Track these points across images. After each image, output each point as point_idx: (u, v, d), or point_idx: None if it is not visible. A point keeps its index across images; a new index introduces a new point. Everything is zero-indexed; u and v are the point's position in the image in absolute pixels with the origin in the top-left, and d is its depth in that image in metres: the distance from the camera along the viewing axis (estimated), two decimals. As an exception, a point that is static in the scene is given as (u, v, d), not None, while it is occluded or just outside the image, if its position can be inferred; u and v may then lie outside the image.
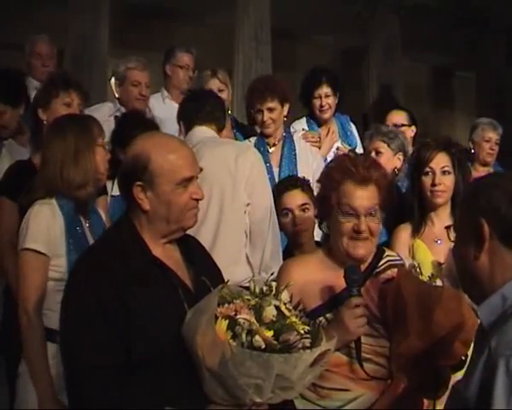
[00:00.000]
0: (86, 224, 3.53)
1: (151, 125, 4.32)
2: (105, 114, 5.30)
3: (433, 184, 3.82)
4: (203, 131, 4.20)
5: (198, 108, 4.30)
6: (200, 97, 4.54)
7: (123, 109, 5.40)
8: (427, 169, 3.85)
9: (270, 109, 4.86)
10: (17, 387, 3.44)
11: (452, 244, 3.60)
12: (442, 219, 3.86)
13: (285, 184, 4.20)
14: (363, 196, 2.99)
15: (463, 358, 2.89)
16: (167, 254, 2.66)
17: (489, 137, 6.27)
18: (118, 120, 4.74)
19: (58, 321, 3.24)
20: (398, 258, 3.20)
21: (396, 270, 3.02)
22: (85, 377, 2.46)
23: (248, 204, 3.99)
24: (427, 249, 3.77)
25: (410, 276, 2.92)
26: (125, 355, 2.46)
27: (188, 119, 4.30)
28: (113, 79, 5.70)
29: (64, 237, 3.40)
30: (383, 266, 3.09)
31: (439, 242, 3.80)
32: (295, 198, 4.06)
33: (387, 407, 2.92)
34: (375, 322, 2.96)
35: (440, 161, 3.84)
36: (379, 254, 3.13)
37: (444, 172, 3.82)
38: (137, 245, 2.61)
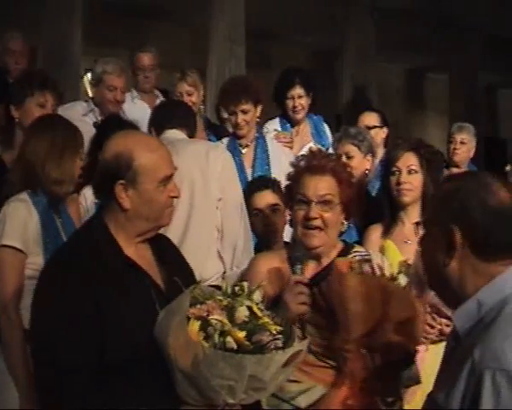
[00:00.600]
0: (58, 222, 3.52)
1: (132, 128, 4.31)
2: (79, 113, 5.30)
3: (398, 183, 3.85)
4: (175, 134, 4.22)
5: (169, 114, 4.35)
6: (171, 105, 4.62)
7: (96, 109, 5.40)
8: (394, 168, 3.89)
9: (244, 111, 4.86)
10: None
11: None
12: (412, 218, 3.89)
13: (256, 184, 4.21)
14: (317, 185, 3.03)
15: (412, 354, 2.94)
16: (139, 253, 2.65)
17: (453, 138, 6.38)
18: (98, 126, 4.72)
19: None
20: (366, 253, 3.19)
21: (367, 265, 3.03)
22: (59, 378, 2.43)
23: (220, 199, 4.01)
24: (396, 250, 3.80)
25: (343, 274, 2.89)
26: (99, 356, 2.45)
27: (159, 124, 4.33)
28: (85, 78, 5.69)
29: (40, 234, 3.39)
30: None
31: (409, 242, 3.83)
32: (265, 198, 4.08)
33: (332, 406, 2.92)
34: (331, 315, 2.95)
35: (407, 160, 3.87)
36: (346, 250, 3.15)
37: (410, 172, 3.85)
38: (110, 245, 2.59)
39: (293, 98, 5.45)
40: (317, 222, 3.01)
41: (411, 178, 3.85)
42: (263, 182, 4.21)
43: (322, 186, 3.03)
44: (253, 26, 9.80)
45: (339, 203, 3.05)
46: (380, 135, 5.46)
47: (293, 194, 3.11)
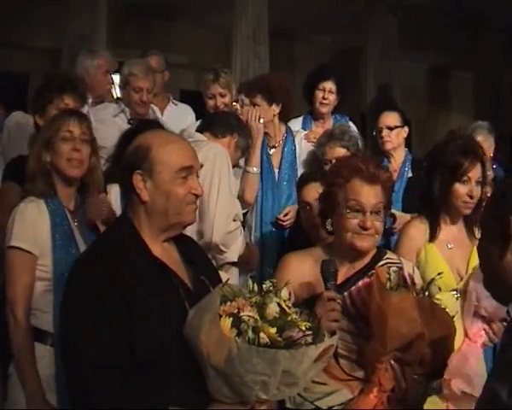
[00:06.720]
0: (75, 222, 3.49)
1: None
2: (110, 114, 5.38)
3: (472, 196, 3.68)
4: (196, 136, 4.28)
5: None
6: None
7: (127, 110, 5.44)
8: (465, 178, 3.69)
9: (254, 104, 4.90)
10: (8, 387, 3.41)
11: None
12: (455, 222, 3.79)
13: (303, 178, 4.20)
14: (370, 193, 3.05)
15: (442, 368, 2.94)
16: (166, 253, 2.66)
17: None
18: (133, 128, 4.73)
19: (47, 322, 3.28)
20: (397, 261, 3.19)
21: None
22: (89, 377, 2.44)
23: None
24: (439, 254, 3.67)
25: (376, 285, 2.89)
26: (128, 355, 2.46)
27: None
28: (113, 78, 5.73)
29: (50, 235, 3.37)
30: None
31: (451, 246, 3.73)
32: (312, 191, 4.02)
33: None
34: (360, 321, 2.96)
35: (477, 171, 3.70)
36: (378, 256, 3.15)
37: (477, 183, 3.70)
38: (137, 244, 2.60)
39: (324, 90, 5.47)
40: (371, 231, 3.06)
41: (477, 190, 3.68)
42: (310, 175, 4.18)
43: (374, 195, 3.06)
44: (277, 25, 9.81)
45: (383, 210, 3.10)
46: (401, 135, 5.35)
47: (338, 200, 3.09)
